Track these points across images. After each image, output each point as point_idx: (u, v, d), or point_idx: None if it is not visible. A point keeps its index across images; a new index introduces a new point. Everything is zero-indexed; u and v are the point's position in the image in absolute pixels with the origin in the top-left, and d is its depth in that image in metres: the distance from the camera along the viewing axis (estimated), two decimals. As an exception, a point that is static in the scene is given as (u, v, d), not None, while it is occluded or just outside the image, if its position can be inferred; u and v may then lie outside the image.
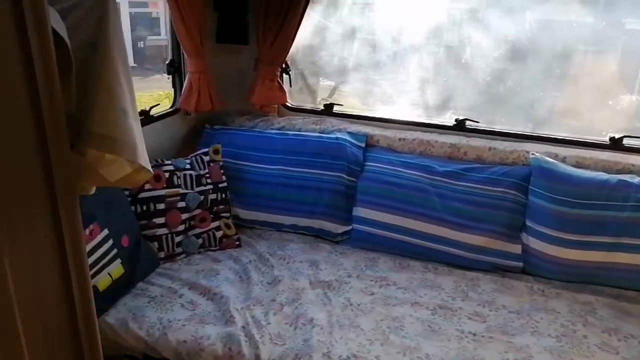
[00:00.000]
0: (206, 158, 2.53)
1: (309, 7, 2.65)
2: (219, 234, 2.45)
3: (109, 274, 1.94)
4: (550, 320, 1.98)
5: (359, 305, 2.01)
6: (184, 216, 2.36)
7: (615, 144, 2.49)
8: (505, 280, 2.26)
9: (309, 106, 3.07)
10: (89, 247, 1.85)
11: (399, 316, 1.94)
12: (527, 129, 2.67)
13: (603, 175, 2.27)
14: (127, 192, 2.22)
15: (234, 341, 1.76)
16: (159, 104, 2.69)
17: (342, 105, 2.98)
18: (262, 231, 2.62)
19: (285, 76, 2.93)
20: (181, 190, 2.37)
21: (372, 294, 2.10)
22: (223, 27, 2.86)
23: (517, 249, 2.32)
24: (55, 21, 0.92)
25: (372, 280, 2.19)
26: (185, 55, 2.66)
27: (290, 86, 2.99)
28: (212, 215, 2.47)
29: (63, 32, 0.91)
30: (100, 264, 1.90)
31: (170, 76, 2.80)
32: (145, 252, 2.16)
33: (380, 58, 3.08)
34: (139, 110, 2.48)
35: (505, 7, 2.71)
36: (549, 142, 2.56)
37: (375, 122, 2.83)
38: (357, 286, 2.14)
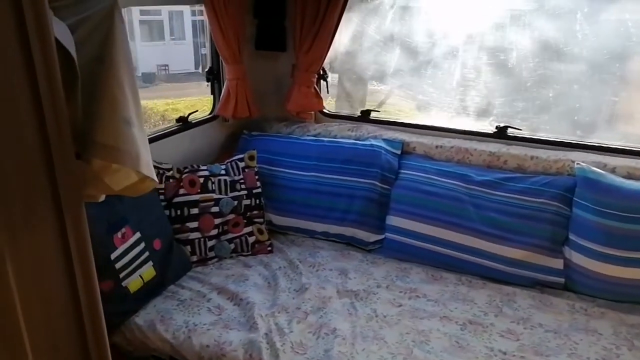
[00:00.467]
0: (241, 164, 2.56)
1: (346, 13, 2.64)
2: (251, 239, 2.48)
3: (140, 276, 2.00)
4: (591, 342, 1.85)
5: (385, 316, 1.96)
6: (217, 221, 2.40)
7: (673, 154, 2.31)
8: (545, 296, 2.14)
9: (346, 112, 3.05)
10: (121, 249, 1.92)
11: (425, 330, 1.88)
12: (573, 137, 2.52)
13: (656, 188, 2.11)
14: (162, 197, 2.29)
15: (255, 348, 1.76)
16: (197, 111, 2.76)
17: (379, 111, 2.94)
18: (294, 237, 2.62)
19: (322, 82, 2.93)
20: (215, 196, 2.41)
21: (400, 305, 2.04)
22: (262, 34, 2.90)
23: (558, 263, 2.20)
24: (64, 35, 0.96)
25: (401, 292, 2.14)
26: (223, 62, 2.71)
27: (328, 92, 2.98)
28: (245, 221, 2.50)
29: (70, 46, 0.95)
30: (132, 266, 1.96)
31: (209, 83, 2.86)
32: (177, 256, 2.21)
33: (418, 63, 3.01)
34: (177, 117, 2.58)
35: (552, 7, 2.58)
36: (597, 151, 2.41)
37: (413, 129, 2.77)
38: (385, 297, 2.10)
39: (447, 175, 2.44)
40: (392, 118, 2.92)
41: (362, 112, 2.93)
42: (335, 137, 2.76)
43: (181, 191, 2.34)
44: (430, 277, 2.26)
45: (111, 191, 1.03)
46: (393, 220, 2.47)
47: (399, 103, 3.57)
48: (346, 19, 2.92)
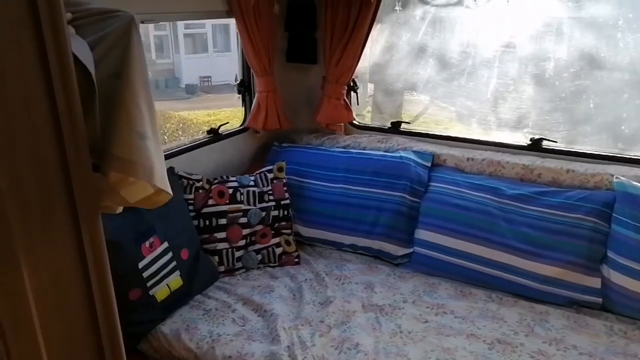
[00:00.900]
0: (270, 175, 2.58)
1: (379, 24, 2.64)
2: (278, 250, 2.48)
3: (167, 285, 2.03)
4: (630, 367, 1.75)
5: (409, 332, 1.92)
6: (245, 232, 2.42)
7: None
8: (580, 316, 2.04)
9: (376, 124, 3.03)
10: (148, 258, 1.96)
11: (451, 348, 1.83)
12: (614, 150, 2.41)
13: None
14: (191, 207, 2.33)
15: (276, 360, 1.76)
16: (227, 123, 2.81)
17: (409, 122, 2.91)
18: (322, 249, 2.61)
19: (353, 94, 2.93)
20: (243, 207, 2.44)
21: (426, 321, 2.00)
22: (293, 46, 2.93)
23: (596, 282, 2.10)
24: (84, 52, 0.99)
25: (428, 307, 2.09)
26: (254, 74, 2.75)
27: (358, 104, 2.97)
28: (273, 232, 2.51)
29: (89, 62, 0.98)
30: (159, 275, 2.00)
31: (240, 95, 2.90)
32: (205, 266, 2.24)
33: (452, 74, 2.97)
34: (208, 129, 2.63)
35: (591, 15, 2.49)
36: (639, 164, 2.30)
37: (444, 141, 2.72)
38: (411, 312, 2.05)
39: (478, 188, 2.38)
40: (422, 130, 2.88)
41: (392, 123, 2.91)
42: (364, 148, 2.75)
43: (210, 202, 2.38)
44: (459, 293, 2.20)
45: (127, 203, 1.06)
46: (422, 234, 2.42)
47: (436, 114, 3.54)
48: (380, 30, 2.92)
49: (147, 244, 1.97)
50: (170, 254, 2.06)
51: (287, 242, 2.52)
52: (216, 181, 2.45)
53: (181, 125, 7.50)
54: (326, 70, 2.81)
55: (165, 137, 6.93)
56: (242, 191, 2.47)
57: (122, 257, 1.86)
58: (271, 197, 2.53)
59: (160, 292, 2.00)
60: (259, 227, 2.47)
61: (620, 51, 2.51)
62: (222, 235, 2.37)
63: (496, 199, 2.32)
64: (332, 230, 2.57)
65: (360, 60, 2.73)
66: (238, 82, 2.89)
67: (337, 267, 2.41)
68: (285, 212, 2.55)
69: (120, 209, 1.12)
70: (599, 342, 1.88)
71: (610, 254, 2.10)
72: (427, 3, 2.82)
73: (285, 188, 2.58)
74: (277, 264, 2.47)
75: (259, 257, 2.45)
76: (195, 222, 2.33)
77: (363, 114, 3.81)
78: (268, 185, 2.55)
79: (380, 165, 2.57)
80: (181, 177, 2.35)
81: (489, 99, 3.02)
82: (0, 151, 0.83)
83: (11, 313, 0.88)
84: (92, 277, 1.04)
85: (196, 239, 2.27)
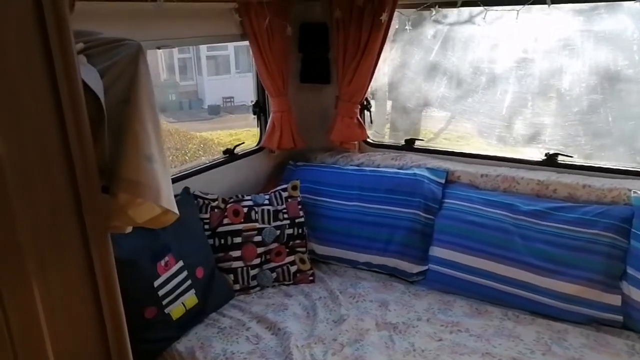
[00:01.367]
0: (284, 194, 2.61)
1: (397, 42, 2.67)
2: (293, 268, 2.50)
3: (182, 303, 2.06)
4: (652, 388, 1.70)
5: (423, 351, 1.91)
6: (260, 250, 2.45)
7: None
8: (600, 335, 1.99)
9: (389, 142, 3.04)
10: (164, 277, 2.00)
11: (464, 367, 1.81)
12: (631, 164, 2.37)
13: None
14: (206, 226, 2.37)
15: (288, 379, 1.76)
16: (243, 143, 2.86)
17: (422, 140, 2.92)
18: (337, 267, 2.62)
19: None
20: (258, 225, 2.47)
21: (440, 340, 1.98)
22: (306, 67, 2.98)
23: (616, 300, 2.05)
24: (94, 79, 1.04)
25: (442, 325, 2.07)
26: (268, 95, 2.81)
27: (372, 122, 3.00)
28: (287, 250, 2.53)
29: (99, 89, 1.03)
30: (175, 293, 2.04)
31: (256, 116, 2.96)
32: (220, 284, 2.27)
33: (465, 92, 2.98)
34: (224, 149, 2.69)
35: (606, 29, 2.48)
36: (658, 179, 2.25)
37: (458, 157, 2.71)
38: (425, 330, 2.04)
39: (493, 204, 2.36)
40: (436, 147, 2.88)
41: (406, 140, 2.92)
42: (378, 166, 2.76)
43: (225, 220, 2.41)
44: (475, 311, 2.18)
45: (135, 223, 1.09)
46: (436, 251, 2.41)
47: (457, 130, 3.53)
48: (394, 49, 2.96)
49: (162, 262, 2.01)
50: (185, 273, 2.10)
51: (302, 260, 2.53)
52: (231, 200, 2.49)
53: (202, 145, 7.64)
54: (339, 89, 2.85)
55: (187, 157, 7.05)
56: (256, 210, 2.50)
57: (137, 276, 1.91)
58: (286, 216, 2.55)
59: (176, 311, 2.03)
60: (274, 245, 2.50)
61: (638, 64, 2.48)
62: (237, 253, 2.40)
63: (511, 215, 2.29)
64: (347, 248, 2.58)
65: (379, 78, 2.76)
66: (253, 103, 2.95)
67: (351, 285, 2.41)
68: (300, 230, 2.57)
69: (129, 229, 1.15)
70: (619, 362, 1.83)
71: (630, 271, 2.05)
72: (437, 22, 2.85)
73: (299, 206, 2.60)
74: (291, 282, 2.48)
75: (274, 275, 2.47)
76: (211, 241, 2.36)
77: (384, 131, 3.82)
78: (282, 204, 2.57)
79: (394, 183, 2.58)
80: (197, 196, 2.40)
81: (504, 115, 3.01)
82: (15, 175, 0.87)
83: (23, 330, 0.91)
84: (101, 294, 1.07)
85: (211, 258, 2.30)
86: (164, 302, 1.99)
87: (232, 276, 2.38)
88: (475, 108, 3.11)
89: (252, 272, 2.42)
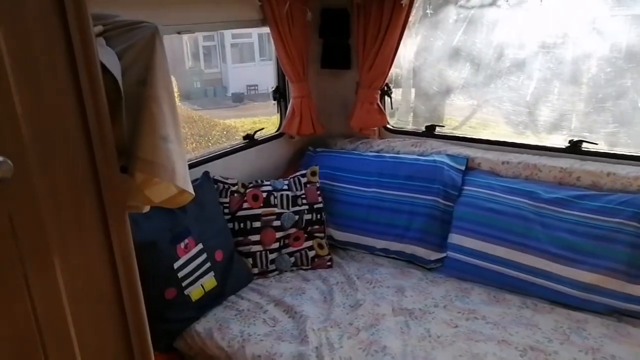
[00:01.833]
0: (303, 179, 2.62)
1: (409, 28, 2.64)
2: (311, 253, 2.52)
3: (202, 285, 2.10)
4: (673, 379, 1.67)
5: (438, 337, 1.91)
6: (279, 235, 2.47)
7: None
8: (621, 325, 1.96)
9: (410, 128, 3.02)
10: (183, 259, 2.04)
11: (480, 353, 1.80)
12: (659, 152, 2.31)
13: None
14: (226, 210, 2.40)
15: (304, 361, 1.79)
16: (263, 128, 2.88)
17: (443, 126, 2.88)
18: (355, 253, 2.63)
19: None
20: (277, 210, 2.49)
21: (456, 326, 1.97)
22: (327, 52, 2.97)
23: (638, 290, 2.01)
24: (112, 61, 1.06)
25: (459, 312, 2.07)
26: (288, 81, 2.81)
27: (392, 108, 2.98)
28: (306, 235, 2.55)
29: (117, 71, 1.05)
30: (194, 275, 2.07)
31: (276, 102, 2.97)
32: (238, 267, 2.30)
33: (488, 77, 2.93)
34: (245, 134, 2.71)
35: (633, 13, 2.40)
36: (687, 166, 2.19)
37: (479, 144, 2.68)
38: (441, 317, 2.03)
39: (514, 192, 2.33)
40: (457, 133, 2.85)
41: (426, 127, 2.89)
42: (398, 153, 2.74)
43: (245, 205, 2.44)
44: (492, 299, 2.16)
45: (152, 203, 1.12)
46: (455, 238, 2.39)
47: (481, 117, 3.49)
48: (419, 34, 2.92)
49: (182, 245, 2.04)
50: (204, 255, 2.13)
51: (320, 246, 2.55)
52: (251, 185, 2.52)
53: (225, 132, 7.71)
54: (359, 75, 2.83)
55: (210, 144, 7.12)
56: (276, 195, 2.52)
57: (158, 257, 1.95)
58: (304, 201, 2.57)
59: (195, 292, 2.07)
60: (292, 230, 2.52)
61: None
62: (256, 238, 2.43)
63: (532, 203, 2.26)
64: (365, 234, 2.58)
65: (403, 65, 2.73)
66: (273, 88, 2.96)
67: (368, 271, 2.41)
68: (318, 216, 2.58)
69: (146, 209, 1.18)
70: (640, 352, 1.80)
71: (654, 261, 2.01)
72: (460, 6, 2.80)
73: (318, 192, 2.61)
74: (309, 266, 2.50)
75: (292, 259, 2.49)
76: (230, 225, 2.40)
77: (408, 119, 3.78)
78: (301, 189, 2.59)
79: (413, 169, 2.57)
80: (217, 181, 2.43)
81: (529, 101, 2.95)
82: (36, 158, 0.90)
83: (46, 307, 0.95)
84: (120, 272, 1.10)
85: (230, 241, 2.34)
86: (184, 284, 2.03)
87: (250, 260, 2.41)
88: (499, 94, 3.06)
89: (271, 256, 2.45)
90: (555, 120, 2.77)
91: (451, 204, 2.46)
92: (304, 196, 2.57)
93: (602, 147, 2.39)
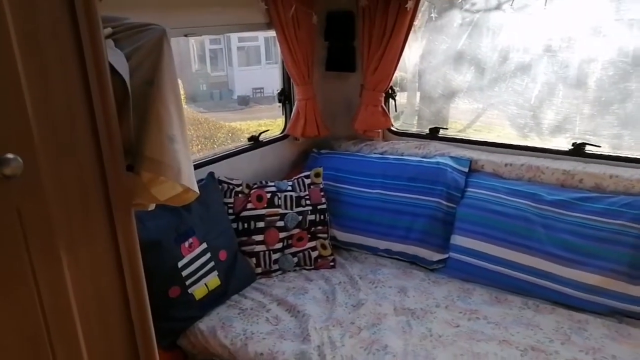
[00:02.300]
0: (307, 181, 2.65)
1: (414, 32, 2.66)
2: (314, 253, 2.54)
3: (205, 284, 2.13)
4: (673, 380, 1.68)
5: (440, 336, 1.92)
6: (282, 235, 2.50)
7: None
8: (622, 326, 1.97)
9: (414, 130, 3.04)
10: (187, 258, 2.07)
11: (481, 353, 1.81)
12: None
13: None
14: (230, 210, 2.43)
15: (306, 359, 1.80)
16: (268, 130, 2.91)
17: (447, 129, 2.90)
18: (358, 254, 2.65)
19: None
20: (281, 210, 2.51)
21: (458, 326, 1.99)
22: (332, 55, 2.99)
23: (639, 291, 2.01)
24: (120, 62, 1.09)
25: (460, 312, 2.08)
26: (293, 83, 2.84)
27: (396, 111, 3.00)
28: (309, 236, 2.57)
29: (124, 71, 1.08)
30: (198, 274, 2.10)
31: (281, 104, 3.00)
32: (242, 267, 2.33)
33: (492, 81, 2.94)
34: (250, 136, 2.74)
35: (637, 17, 2.41)
36: (689, 169, 2.19)
37: (483, 146, 2.69)
38: (442, 317, 2.05)
39: (516, 194, 2.34)
40: (461, 135, 2.86)
41: (430, 129, 2.91)
42: (401, 154, 2.76)
43: (249, 205, 2.47)
44: (494, 299, 2.18)
45: (157, 201, 1.14)
46: (458, 239, 2.41)
47: (485, 121, 3.51)
48: (424, 37, 2.94)
49: (186, 244, 2.07)
50: (208, 255, 2.16)
51: (323, 246, 2.57)
52: (255, 186, 2.54)
53: (230, 134, 7.76)
54: (364, 78, 2.86)
55: (215, 146, 7.16)
56: (279, 196, 2.55)
57: (162, 256, 1.98)
58: (308, 202, 2.59)
59: (199, 291, 2.10)
60: (296, 230, 2.54)
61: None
62: (259, 238, 2.45)
63: (534, 204, 2.27)
64: (368, 235, 2.60)
65: (409, 69, 2.76)
66: (278, 91, 2.99)
67: (371, 272, 2.43)
68: (322, 217, 2.60)
69: (152, 207, 1.21)
70: (640, 353, 1.81)
71: (656, 263, 2.02)
72: (465, 10, 2.82)
73: (322, 193, 2.63)
74: (312, 267, 2.53)
75: (295, 259, 2.52)
76: (234, 225, 2.42)
77: (413, 122, 3.79)
78: (305, 190, 2.61)
79: (416, 171, 2.59)
80: (221, 181, 2.46)
81: (533, 104, 2.97)
82: (45, 155, 0.93)
83: (53, 303, 0.97)
84: (125, 268, 1.12)
85: (234, 241, 2.36)
86: (188, 283, 2.06)
87: (254, 260, 2.44)
88: (504, 98, 3.07)
89: (274, 256, 2.48)
90: (559, 123, 2.78)
91: (454, 206, 2.48)
92: (307, 197, 2.60)
93: (605, 150, 2.40)
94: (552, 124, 2.77)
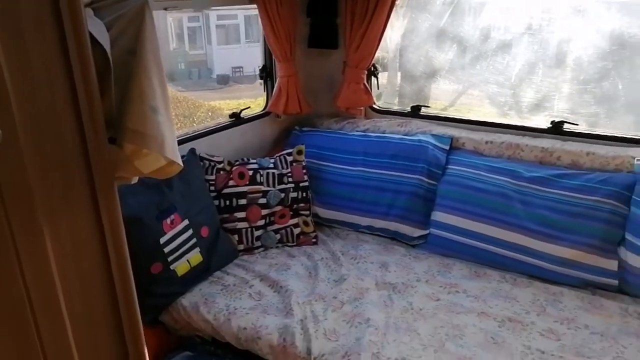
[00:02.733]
0: (289, 158, 2.65)
1: (396, 10, 2.65)
2: (296, 230, 2.55)
3: (187, 261, 2.13)
4: (642, 348, 1.75)
5: (420, 309, 1.96)
6: (264, 212, 2.50)
7: None
8: (595, 298, 2.04)
9: (396, 108, 3.05)
10: (169, 235, 2.06)
11: (460, 324, 1.86)
12: (636, 133, 2.37)
13: None
14: (212, 187, 2.42)
15: (289, 333, 1.83)
16: (249, 107, 2.88)
17: (429, 106, 2.92)
18: (340, 230, 2.67)
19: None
20: (263, 188, 2.51)
21: (438, 299, 2.03)
22: (315, 32, 2.97)
23: (612, 265, 2.08)
24: (100, 32, 1.07)
25: (441, 286, 2.12)
26: (275, 60, 2.81)
27: (378, 89, 3.00)
28: (291, 213, 2.58)
29: (105, 42, 1.06)
30: (180, 251, 2.10)
31: (263, 81, 2.97)
32: (224, 244, 2.33)
33: (473, 59, 2.96)
34: (231, 113, 2.71)
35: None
36: (662, 147, 2.25)
37: (463, 124, 2.72)
38: (423, 291, 2.09)
39: (496, 171, 2.38)
40: (442, 114, 2.89)
41: (412, 107, 2.92)
42: (383, 132, 2.77)
43: (231, 183, 2.46)
44: (473, 274, 2.23)
45: (141, 174, 1.13)
46: (438, 215, 2.45)
47: (466, 101, 3.52)
48: (402, 16, 2.93)
49: (168, 220, 2.06)
50: (190, 231, 2.15)
51: (305, 223, 2.58)
52: (237, 163, 2.53)
53: (210, 113, 7.67)
54: (347, 55, 2.84)
55: (195, 124, 7.08)
56: (262, 173, 2.54)
57: (144, 232, 1.96)
58: (290, 179, 2.59)
59: (181, 267, 2.10)
60: (278, 208, 2.54)
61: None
62: (241, 215, 2.45)
63: (513, 181, 2.32)
64: (350, 212, 2.62)
65: (390, 48, 2.75)
66: (260, 67, 2.96)
67: (353, 248, 2.46)
68: (304, 194, 2.61)
69: (135, 180, 1.20)
70: (611, 323, 1.88)
71: (628, 237, 2.08)
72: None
73: (304, 170, 2.64)
74: (295, 243, 2.54)
75: (278, 236, 2.53)
76: (216, 202, 2.41)
77: (394, 102, 3.79)
78: (287, 168, 2.61)
79: (398, 149, 2.60)
80: (203, 158, 2.44)
81: (513, 83, 2.99)
82: (24, 125, 0.91)
83: (35, 275, 0.96)
84: (108, 241, 1.11)
85: (216, 218, 2.36)
86: (170, 259, 2.06)
87: (236, 236, 2.44)
88: (484, 76, 3.09)
89: (256, 233, 2.48)
90: (539, 102, 2.82)
91: (435, 183, 2.51)
92: (290, 174, 2.60)
93: (583, 128, 2.45)
94: (532, 102, 2.81)
